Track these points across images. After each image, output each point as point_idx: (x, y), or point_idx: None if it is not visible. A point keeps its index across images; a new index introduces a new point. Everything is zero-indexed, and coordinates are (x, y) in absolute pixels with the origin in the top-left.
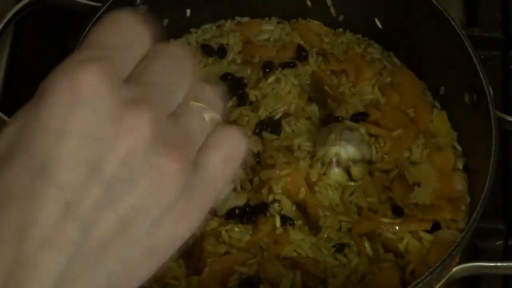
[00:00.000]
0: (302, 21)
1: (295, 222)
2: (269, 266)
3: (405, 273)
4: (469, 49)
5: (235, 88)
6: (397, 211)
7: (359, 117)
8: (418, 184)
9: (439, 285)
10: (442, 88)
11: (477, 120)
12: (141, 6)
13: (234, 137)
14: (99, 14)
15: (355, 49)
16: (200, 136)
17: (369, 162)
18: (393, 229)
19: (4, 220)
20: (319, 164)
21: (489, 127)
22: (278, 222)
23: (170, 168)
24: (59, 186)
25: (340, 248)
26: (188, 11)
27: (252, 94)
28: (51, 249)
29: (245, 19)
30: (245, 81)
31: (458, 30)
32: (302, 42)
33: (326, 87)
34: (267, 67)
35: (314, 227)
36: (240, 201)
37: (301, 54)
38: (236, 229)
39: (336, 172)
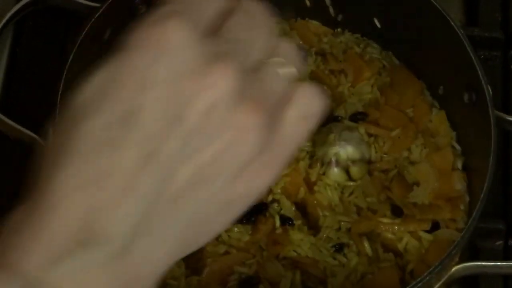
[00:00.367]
0: (300, 20)
1: (294, 222)
2: (268, 266)
3: (405, 273)
4: (468, 49)
5: None
6: (396, 211)
7: (358, 117)
8: (417, 184)
9: (438, 284)
10: (441, 87)
11: (476, 120)
12: (140, 6)
13: (311, 94)
14: (98, 14)
15: (354, 49)
16: (279, 92)
17: (368, 162)
18: (392, 229)
19: (85, 168)
20: (318, 164)
21: (488, 126)
22: (277, 222)
23: (251, 123)
24: (140, 135)
25: (339, 248)
26: None
27: None
28: (129, 198)
29: None
30: None
31: (457, 30)
32: (301, 42)
33: (325, 87)
34: None
35: (313, 227)
36: None
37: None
38: (236, 229)
39: (335, 172)
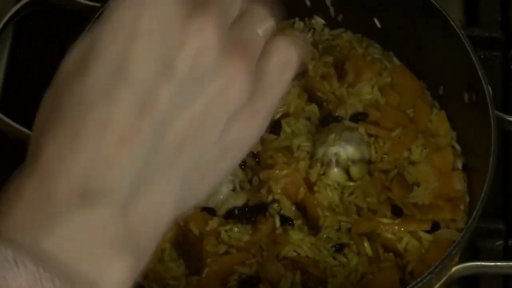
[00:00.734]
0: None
1: (294, 222)
2: (268, 266)
3: (405, 273)
4: (469, 49)
5: None
6: (397, 212)
7: (359, 117)
8: (418, 184)
9: (438, 284)
10: (442, 87)
11: (476, 120)
12: None
13: (287, 43)
14: (99, 14)
15: (356, 49)
16: (259, 42)
17: (369, 162)
18: (393, 229)
19: (83, 122)
20: (318, 164)
21: (488, 126)
22: (277, 222)
23: (238, 69)
24: (134, 86)
25: (339, 248)
26: None
27: None
28: (128, 148)
29: None
30: None
31: (457, 30)
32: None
33: (318, 94)
34: None
35: (313, 227)
36: (239, 201)
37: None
38: (236, 229)
39: (335, 172)
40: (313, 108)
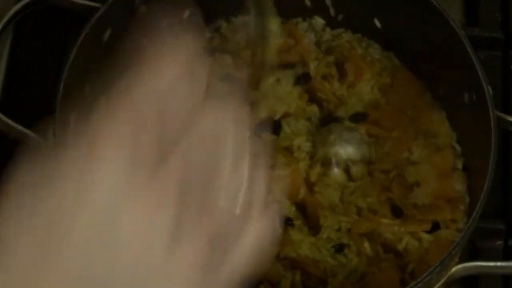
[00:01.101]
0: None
1: (294, 222)
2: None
3: (405, 273)
4: (469, 49)
5: (235, 89)
6: (397, 212)
7: (359, 118)
8: (418, 184)
9: (438, 285)
10: (442, 88)
11: (476, 120)
12: (141, 6)
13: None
14: (99, 14)
15: (356, 49)
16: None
17: (369, 162)
18: (393, 230)
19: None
20: (318, 164)
21: (488, 127)
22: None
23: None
24: (69, 259)
25: (339, 248)
26: (187, 12)
27: (252, 95)
28: None
29: (247, 18)
30: (245, 81)
31: (457, 30)
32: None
33: (319, 94)
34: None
35: (313, 227)
36: None
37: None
38: None
39: (335, 173)
40: (314, 108)
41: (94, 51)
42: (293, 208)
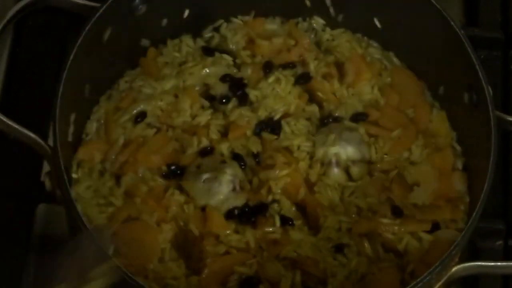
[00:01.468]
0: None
1: (294, 222)
2: (268, 266)
3: (405, 273)
4: (469, 49)
5: (235, 89)
6: (397, 212)
7: (359, 118)
8: (418, 184)
9: (438, 284)
10: (442, 88)
11: (476, 120)
12: (140, 6)
13: None
14: (98, 14)
15: (356, 49)
16: None
17: (369, 162)
18: (393, 230)
19: None
20: (318, 164)
21: (488, 126)
22: (277, 222)
23: None
24: None
25: (339, 248)
26: (187, 12)
27: (252, 94)
28: None
29: (247, 17)
30: (245, 81)
31: (457, 30)
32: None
33: (319, 93)
34: (268, 68)
35: (313, 227)
36: (239, 201)
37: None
38: (236, 229)
39: (335, 173)
40: (313, 108)
41: (94, 51)
42: (293, 208)
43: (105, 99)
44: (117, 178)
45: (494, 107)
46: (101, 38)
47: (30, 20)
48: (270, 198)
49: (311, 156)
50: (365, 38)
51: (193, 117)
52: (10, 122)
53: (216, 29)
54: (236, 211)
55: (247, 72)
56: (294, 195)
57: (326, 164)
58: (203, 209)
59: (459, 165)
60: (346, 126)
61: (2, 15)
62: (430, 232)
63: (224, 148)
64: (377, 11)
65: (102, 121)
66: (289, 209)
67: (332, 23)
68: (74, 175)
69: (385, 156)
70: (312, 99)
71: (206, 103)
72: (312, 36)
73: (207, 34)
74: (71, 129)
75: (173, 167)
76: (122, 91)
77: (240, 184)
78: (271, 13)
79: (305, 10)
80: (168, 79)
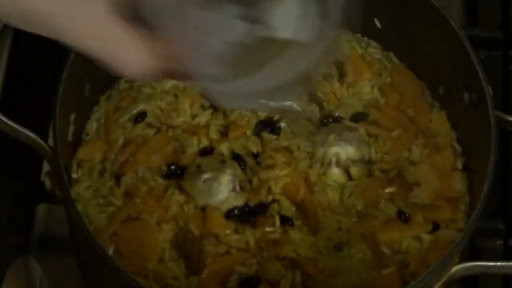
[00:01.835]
0: None
1: (294, 222)
2: (268, 266)
3: (405, 273)
4: (469, 49)
5: None
6: (397, 212)
7: (359, 117)
8: (418, 184)
9: (438, 284)
10: (442, 88)
11: (476, 120)
12: None
13: None
14: None
15: (356, 50)
16: None
17: (369, 162)
18: (393, 230)
19: None
20: (318, 164)
21: (488, 126)
22: (277, 222)
23: None
24: None
25: (339, 248)
26: None
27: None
28: None
29: None
30: None
31: (457, 30)
32: None
33: (319, 94)
34: None
35: (313, 227)
36: (239, 201)
37: None
38: (236, 229)
39: (335, 172)
40: (313, 108)
41: None
42: (293, 208)
43: (105, 99)
44: (117, 178)
45: (494, 107)
46: None
47: None
48: (270, 198)
49: (311, 156)
50: (365, 38)
51: (193, 117)
52: (10, 122)
53: None
54: (236, 211)
55: None
56: (294, 195)
57: (326, 164)
58: (203, 209)
59: (459, 165)
60: (346, 126)
61: None
62: (430, 232)
63: (224, 148)
64: (377, 11)
65: (102, 121)
66: (289, 209)
67: None
68: (74, 175)
69: (385, 156)
70: (312, 99)
71: (206, 103)
72: None
73: None
74: (71, 129)
75: (173, 167)
76: (122, 91)
77: (240, 184)
78: None
79: None
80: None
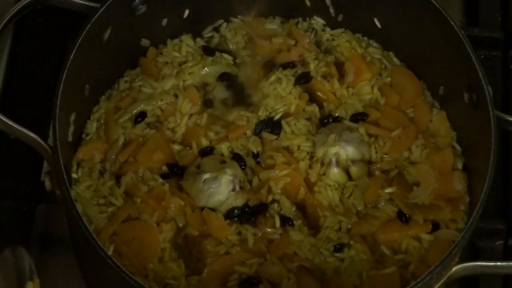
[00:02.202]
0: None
1: (294, 222)
2: (269, 266)
3: (405, 273)
4: (469, 49)
5: (233, 89)
6: (397, 213)
7: (359, 117)
8: (418, 184)
9: (438, 284)
10: (442, 88)
11: (476, 120)
12: (140, 6)
13: None
14: (98, 14)
15: (356, 50)
16: None
17: (369, 162)
18: (393, 230)
19: None
20: (318, 164)
21: (488, 126)
22: (277, 223)
23: None
24: None
25: (339, 248)
26: (187, 12)
27: (253, 95)
28: None
29: (247, 17)
30: (245, 81)
31: (457, 30)
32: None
33: (319, 93)
34: (268, 67)
35: (313, 227)
36: (239, 201)
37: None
38: (236, 229)
39: (335, 172)
40: (314, 108)
41: (94, 51)
42: (293, 208)
43: (105, 99)
44: (117, 178)
45: (494, 107)
46: (101, 38)
47: (30, 20)
48: (270, 198)
49: (311, 156)
50: (365, 38)
51: (193, 117)
52: (10, 122)
53: (216, 29)
54: (236, 211)
55: (247, 72)
56: (294, 195)
57: (326, 164)
58: (203, 209)
59: (459, 165)
60: (346, 126)
61: (2, 15)
62: (430, 232)
63: (224, 148)
64: (377, 11)
65: (102, 121)
66: (289, 209)
67: (332, 23)
68: (74, 175)
69: (385, 156)
70: (312, 99)
71: (206, 103)
72: (312, 36)
73: (207, 34)
74: (71, 129)
75: (173, 167)
76: (122, 91)
77: (240, 184)
78: (271, 13)
79: (305, 10)
80: (168, 79)
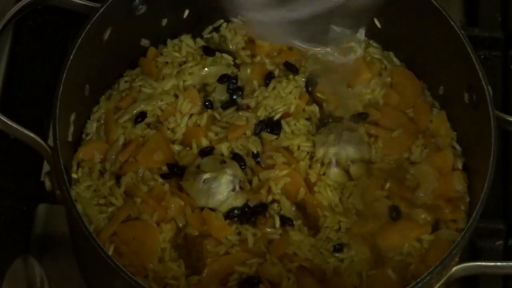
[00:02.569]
0: None
1: (294, 222)
2: (269, 267)
3: (405, 273)
4: (469, 49)
5: (232, 89)
6: (397, 213)
7: (359, 117)
8: (418, 184)
9: (438, 284)
10: (442, 88)
11: (476, 120)
12: (140, 6)
13: None
14: (98, 14)
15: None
16: None
17: (369, 162)
18: (393, 230)
19: None
20: (318, 164)
21: (488, 126)
22: (277, 223)
23: None
24: None
25: (339, 248)
26: (187, 12)
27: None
28: None
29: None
30: (243, 82)
31: (457, 30)
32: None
33: (318, 93)
34: (268, 78)
35: (313, 227)
36: (239, 201)
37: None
38: (236, 229)
39: (335, 172)
40: (313, 108)
41: (94, 51)
42: (293, 208)
43: (105, 99)
44: (117, 178)
45: (494, 107)
46: (101, 38)
47: (30, 20)
48: (270, 198)
49: (311, 156)
50: (365, 38)
51: (193, 117)
52: (10, 122)
53: (216, 29)
54: (236, 211)
55: (247, 72)
56: (294, 195)
57: (326, 164)
58: (203, 209)
59: (459, 165)
60: (346, 126)
61: (2, 15)
62: (430, 232)
63: (224, 148)
64: (377, 11)
65: (102, 121)
66: (289, 209)
67: None
68: (74, 175)
69: (385, 156)
70: (312, 99)
71: (206, 105)
72: None
73: (207, 34)
74: (71, 129)
75: (173, 167)
76: (122, 91)
77: (240, 184)
78: None
79: None
80: (168, 79)
